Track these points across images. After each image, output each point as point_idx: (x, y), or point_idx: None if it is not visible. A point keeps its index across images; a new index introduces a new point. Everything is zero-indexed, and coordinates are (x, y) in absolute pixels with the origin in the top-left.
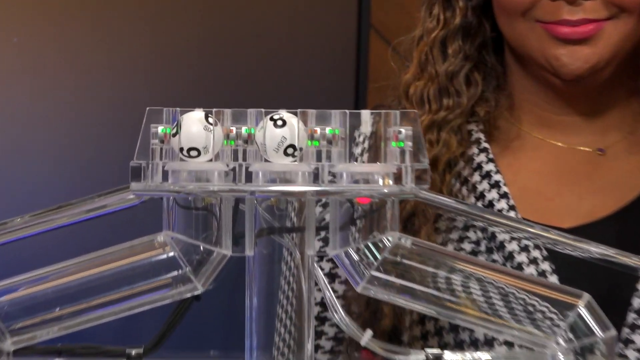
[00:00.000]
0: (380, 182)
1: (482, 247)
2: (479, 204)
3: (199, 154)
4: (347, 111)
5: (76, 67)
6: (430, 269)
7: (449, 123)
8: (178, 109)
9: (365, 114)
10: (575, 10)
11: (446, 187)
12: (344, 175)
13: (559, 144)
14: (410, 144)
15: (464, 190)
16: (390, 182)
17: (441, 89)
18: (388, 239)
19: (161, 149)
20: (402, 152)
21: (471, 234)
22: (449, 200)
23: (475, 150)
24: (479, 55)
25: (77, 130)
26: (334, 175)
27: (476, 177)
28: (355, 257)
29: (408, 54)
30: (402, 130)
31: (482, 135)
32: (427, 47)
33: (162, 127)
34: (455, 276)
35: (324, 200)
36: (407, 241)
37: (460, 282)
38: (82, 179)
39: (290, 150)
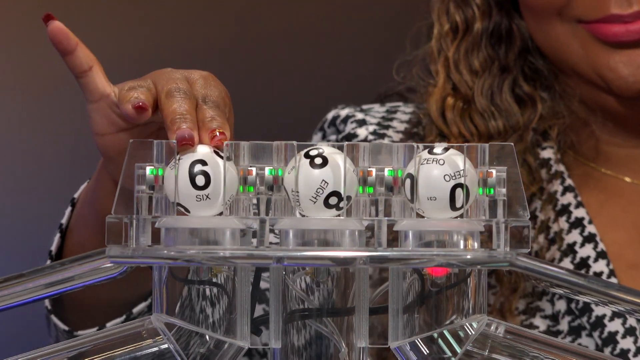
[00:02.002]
0: (462, 244)
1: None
2: (567, 261)
3: (208, 182)
4: (415, 144)
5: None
6: None
7: None
8: (174, 141)
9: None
10: (626, 2)
11: None
12: (410, 235)
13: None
14: (503, 190)
15: (542, 240)
16: (476, 244)
17: (483, 111)
18: (472, 325)
19: (150, 198)
20: (493, 202)
21: (546, 304)
22: (561, 271)
23: (558, 187)
24: (526, 62)
25: (75, 130)
26: (394, 234)
27: (562, 224)
28: (426, 350)
29: (425, 70)
30: (494, 171)
31: (563, 168)
32: (450, 60)
33: (152, 168)
34: None
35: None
36: (499, 328)
37: None
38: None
39: (333, 200)
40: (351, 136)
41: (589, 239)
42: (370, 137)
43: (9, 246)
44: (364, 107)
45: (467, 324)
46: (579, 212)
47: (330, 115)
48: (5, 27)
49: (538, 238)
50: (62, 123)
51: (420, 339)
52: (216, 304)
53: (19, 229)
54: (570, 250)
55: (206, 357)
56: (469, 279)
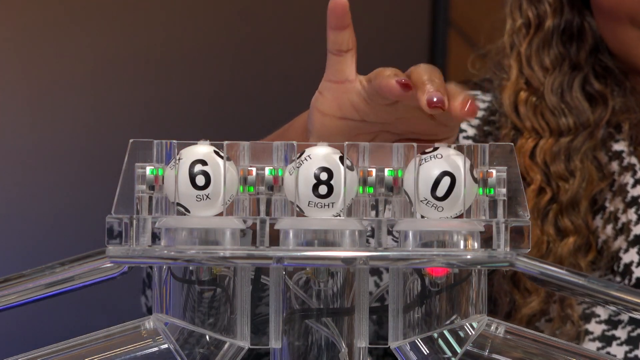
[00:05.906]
0: (462, 245)
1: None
2: (634, 251)
3: (208, 182)
4: (415, 145)
5: (74, 67)
6: None
7: (579, 150)
8: (175, 141)
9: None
10: None
11: (593, 235)
12: (410, 235)
13: None
14: (503, 190)
15: (609, 230)
16: (476, 245)
17: (553, 108)
18: (472, 326)
19: (150, 198)
20: (494, 202)
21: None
22: (561, 271)
23: (629, 179)
24: (597, 60)
25: (76, 130)
26: (395, 235)
27: (631, 215)
28: (426, 350)
29: (498, 64)
30: (494, 171)
31: (635, 160)
32: (522, 56)
33: (152, 168)
34: None
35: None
36: (499, 328)
37: None
38: (81, 186)
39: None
40: None
41: None
42: None
43: (9, 246)
44: None
45: (467, 324)
46: None
47: None
48: (6, 26)
49: (606, 228)
50: (64, 123)
51: (420, 339)
52: (216, 304)
53: (19, 229)
54: (638, 241)
55: (206, 357)
56: (469, 279)
